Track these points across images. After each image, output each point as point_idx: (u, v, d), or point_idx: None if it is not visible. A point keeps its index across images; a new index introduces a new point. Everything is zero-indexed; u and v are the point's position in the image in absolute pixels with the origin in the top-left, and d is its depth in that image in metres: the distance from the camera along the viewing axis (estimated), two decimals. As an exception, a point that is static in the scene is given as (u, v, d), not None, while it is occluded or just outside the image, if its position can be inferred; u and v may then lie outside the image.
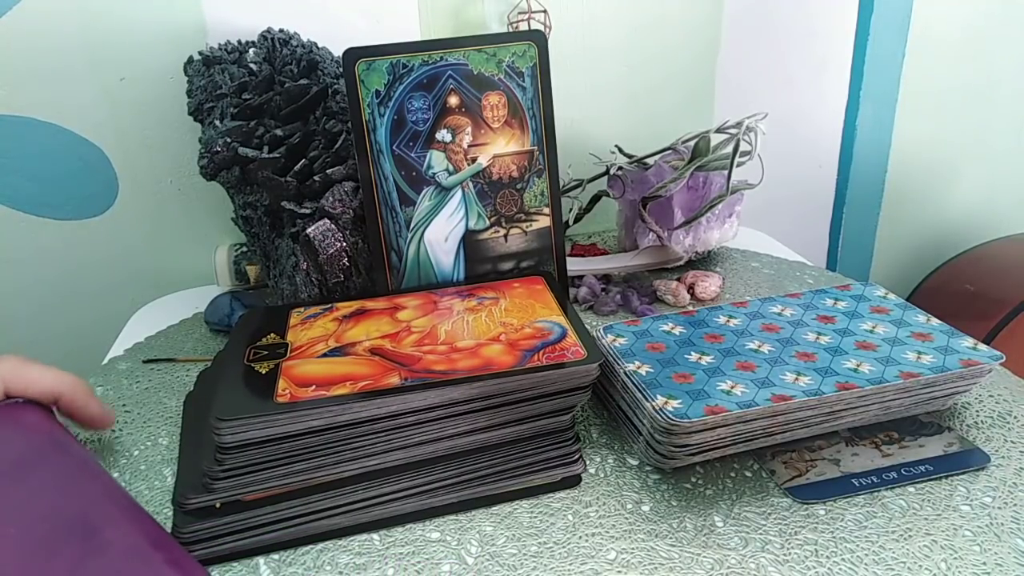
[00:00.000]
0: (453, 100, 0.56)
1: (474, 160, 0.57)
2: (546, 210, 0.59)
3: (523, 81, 0.56)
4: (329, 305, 0.51)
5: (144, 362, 0.60)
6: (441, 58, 0.55)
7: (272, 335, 0.47)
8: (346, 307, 0.51)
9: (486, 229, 0.58)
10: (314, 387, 0.40)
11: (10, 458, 0.38)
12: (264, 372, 0.42)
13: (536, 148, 0.58)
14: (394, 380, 0.41)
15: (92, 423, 0.47)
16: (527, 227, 0.58)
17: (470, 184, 0.57)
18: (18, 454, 0.39)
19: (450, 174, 0.56)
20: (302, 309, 0.50)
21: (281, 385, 0.41)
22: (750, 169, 0.67)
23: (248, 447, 0.39)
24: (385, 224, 0.56)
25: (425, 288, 0.55)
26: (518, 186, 0.58)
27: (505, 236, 0.58)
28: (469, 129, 0.56)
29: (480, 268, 0.58)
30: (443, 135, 0.56)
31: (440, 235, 0.57)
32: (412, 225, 0.56)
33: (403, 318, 0.49)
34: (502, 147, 0.57)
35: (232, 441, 0.38)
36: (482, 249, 0.58)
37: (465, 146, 0.56)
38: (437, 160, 0.56)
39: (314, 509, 0.40)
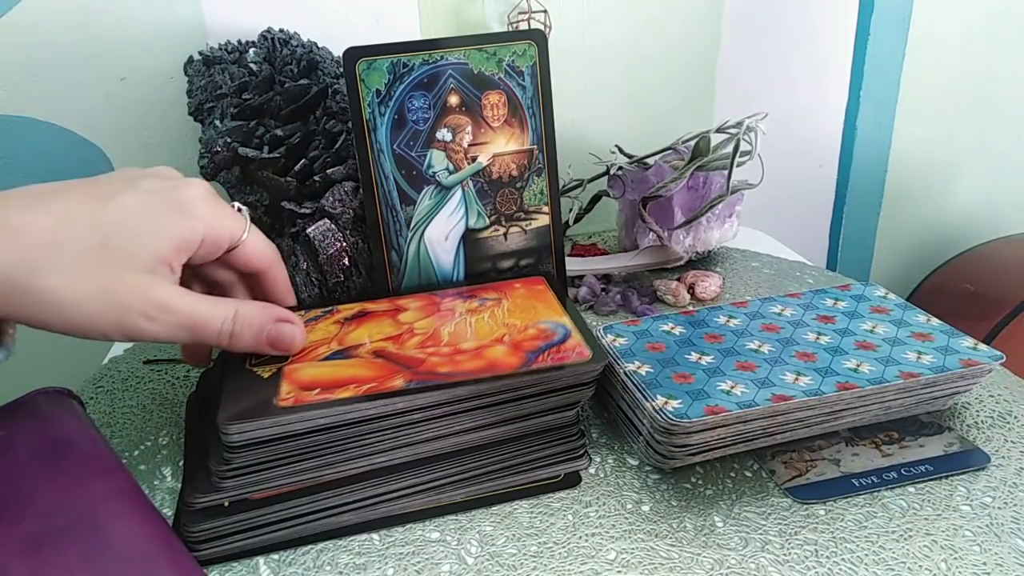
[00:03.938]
0: (453, 99, 0.56)
1: (474, 159, 0.57)
2: (545, 209, 0.59)
3: (523, 80, 0.56)
4: (330, 308, 0.51)
5: (144, 363, 0.60)
6: (441, 57, 0.55)
7: None
8: (347, 309, 0.50)
9: (486, 228, 0.58)
10: (318, 390, 0.40)
11: (33, 449, 0.39)
12: (266, 376, 0.42)
13: (536, 147, 0.58)
14: (399, 383, 0.41)
15: (284, 300, 0.48)
16: (527, 226, 0.58)
17: (470, 183, 0.57)
18: (41, 446, 0.39)
19: (450, 173, 0.56)
20: (302, 312, 0.50)
21: (284, 389, 0.41)
22: (750, 169, 0.67)
23: (255, 446, 0.39)
24: (385, 223, 0.56)
25: (425, 290, 0.54)
26: (518, 185, 0.58)
27: (505, 235, 0.58)
28: (469, 128, 0.56)
29: (480, 267, 0.58)
30: (443, 134, 0.56)
31: (440, 234, 0.57)
32: (412, 224, 0.56)
33: (405, 320, 0.49)
34: (502, 146, 0.57)
35: (239, 441, 0.38)
36: (482, 248, 0.58)
37: (465, 145, 0.56)
38: (437, 159, 0.56)
39: (322, 507, 0.40)
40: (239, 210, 0.45)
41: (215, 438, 0.39)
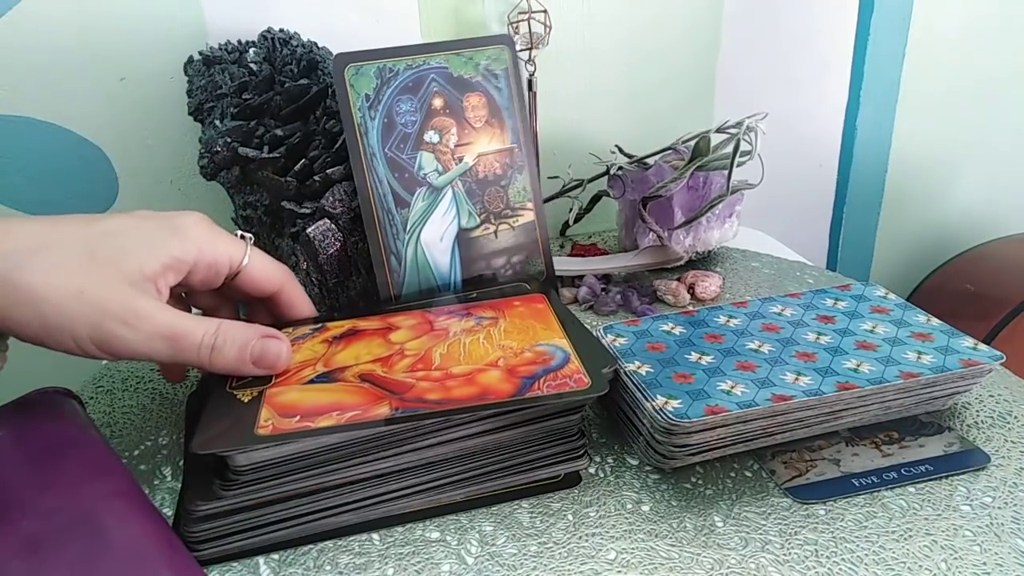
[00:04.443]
0: (437, 102, 0.57)
1: (461, 159, 0.57)
2: (530, 205, 0.60)
3: (499, 82, 0.58)
4: (319, 325, 0.49)
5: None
6: (424, 62, 0.56)
7: None
8: (337, 327, 0.49)
9: (477, 227, 0.58)
10: (299, 417, 0.39)
11: (35, 449, 0.39)
12: (247, 400, 0.41)
13: (516, 145, 0.59)
14: (384, 410, 0.39)
15: (306, 314, 0.49)
16: (514, 222, 0.59)
17: (459, 183, 0.58)
18: (42, 445, 0.39)
19: (440, 174, 0.57)
20: (290, 329, 0.49)
21: (263, 415, 0.39)
22: (750, 169, 0.67)
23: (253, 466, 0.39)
24: (383, 227, 0.56)
25: (421, 306, 0.53)
26: (502, 183, 0.59)
27: (495, 232, 0.59)
28: (454, 130, 0.57)
29: (475, 266, 0.58)
30: (430, 136, 0.57)
31: (435, 235, 0.57)
32: (408, 227, 0.57)
33: (396, 340, 0.47)
34: (485, 145, 0.58)
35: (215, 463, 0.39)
36: (475, 247, 0.58)
37: (452, 146, 0.57)
38: (427, 161, 0.57)
39: (322, 507, 0.40)
40: (242, 237, 0.45)
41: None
